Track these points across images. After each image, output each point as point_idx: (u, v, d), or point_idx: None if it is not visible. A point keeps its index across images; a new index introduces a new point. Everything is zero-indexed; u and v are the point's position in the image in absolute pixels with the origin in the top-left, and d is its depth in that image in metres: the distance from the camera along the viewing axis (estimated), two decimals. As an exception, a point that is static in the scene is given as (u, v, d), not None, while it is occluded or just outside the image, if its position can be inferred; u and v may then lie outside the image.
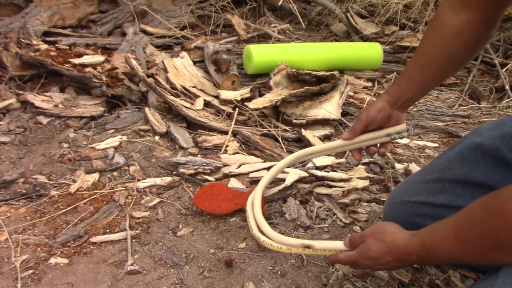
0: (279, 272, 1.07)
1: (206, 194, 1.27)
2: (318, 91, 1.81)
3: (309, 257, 1.12)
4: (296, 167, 1.46)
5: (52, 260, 1.07)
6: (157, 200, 1.29)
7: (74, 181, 1.34)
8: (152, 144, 1.54)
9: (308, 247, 0.95)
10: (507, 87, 2.19)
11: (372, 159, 1.52)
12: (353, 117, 1.83)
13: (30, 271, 1.03)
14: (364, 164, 1.51)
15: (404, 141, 1.69)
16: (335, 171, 1.46)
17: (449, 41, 0.95)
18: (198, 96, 1.75)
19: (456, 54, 0.96)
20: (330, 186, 1.38)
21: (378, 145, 1.10)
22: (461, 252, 0.76)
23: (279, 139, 1.60)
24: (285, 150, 1.55)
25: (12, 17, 2.19)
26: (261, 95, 1.83)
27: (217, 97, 1.78)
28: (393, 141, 1.15)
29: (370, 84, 2.15)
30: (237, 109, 1.72)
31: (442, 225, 0.81)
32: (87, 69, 1.72)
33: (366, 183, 1.40)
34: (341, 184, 1.38)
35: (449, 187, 0.99)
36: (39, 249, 1.10)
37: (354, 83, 2.11)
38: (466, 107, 2.04)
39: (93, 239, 1.14)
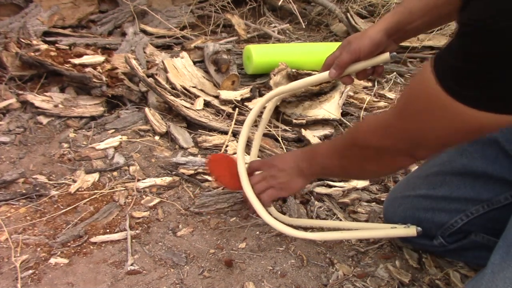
0: (279, 272, 1.07)
1: (221, 162, 1.21)
2: (318, 91, 1.81)
3: (309, 257, 1.12)
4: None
5: (52, 260, 1.07)
6: (157, 200, 1.29)
7: (74, 181, 1.34)
8: (152, 144, 1.54)
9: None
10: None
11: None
12: (353, 118, 1.83)
13: (30, 271, 1.03)
14: (364, 164, 1.51)
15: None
16: (335, 171, 1.46)
17: None
18: (198, 96, 1.75)
19: None
20: (330, 186, 1.38)
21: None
22: (328, 162, 0.98)
23: (279, 139, 1.60)
24: (285, 150, 1.55)
25: (12, 17, 2.18)
26: (261, 95, 1.83)
27: (217, 97, 1.78)
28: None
29: (370, 84, 2.15)
30: (237, 109, 1.72)
31: (330, 140, 1.05)
32: (87, 69, 1.71)
33: (366, 183, 1.40)
34: (341, 184, 1.38)
35: (449, 180, 1.00)
36: (39, 249, 1.10)
37: (354, 83, 2.11)
38: (466, 107, 2.04)
39: (93, 239, 1.14)
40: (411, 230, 1.02)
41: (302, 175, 1.04)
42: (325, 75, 1.01)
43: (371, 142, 0.81)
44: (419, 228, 1.02)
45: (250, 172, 1.16)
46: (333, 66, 0.99)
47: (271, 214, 1.12)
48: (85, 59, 1.78)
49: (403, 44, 2.42)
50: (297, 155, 1.06)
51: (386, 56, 0.95)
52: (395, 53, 0.95)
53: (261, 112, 1.21)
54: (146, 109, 1.67)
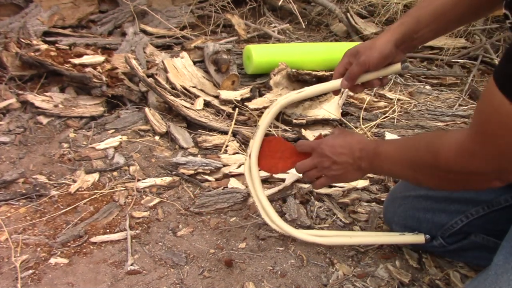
0: (279, 272, 1.07)
1: (263, 150, 1.17)
2: (318, 91, 1.81)
3: (309, 257, 1.12)
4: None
5: (52, 260, 1.07)
6: (157, 200, 1.29)
7: (74, 181, 1.34)
8: (152, 144, 1.54)
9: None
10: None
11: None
12: (353, 117, 1.83)
13: (30, 271, 1.03)
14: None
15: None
16: (335, 171, 1.46)
17: None
18: (198, 96, 1.75)
19: None
20: (330, 186, 1.38)
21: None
22: (396, 170, 0.90)
23: (279, 139, 1.60)
24: (285, 150, 1.55)
25: (12, 17, 2.19)
26: (261, 95, 1.83)
27: (217, 97, 1.78)
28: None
29: (370, 84, 2.15)
30: (237, 109, 1.72)
31: (394, 142, 0.95)
32: (87, 69, 1.72)
33: (366, 183, 1.40)
34: (341, 184, 1.38)
35: None
36: (39, 249, 1.10)
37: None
38: (466, 107, 2.04)
39: (93, 239, 1.14)
40: (419, 237, 1.04)
41: (360, 171, 0.98)
42: (336, 83, 1.02)
43: (456, 168, 0.75)
44: (427, 235, 1.03)
45: (299, 153, 1.13)
46: (344, 77, 1.00)
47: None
48: (85, 59, 1.78)
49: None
50: (354, 150, 0.96)
51: (397, 67, 0.96)
52: (406, 63, 0.96)
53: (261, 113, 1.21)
54: (146, 109, 1.67)
